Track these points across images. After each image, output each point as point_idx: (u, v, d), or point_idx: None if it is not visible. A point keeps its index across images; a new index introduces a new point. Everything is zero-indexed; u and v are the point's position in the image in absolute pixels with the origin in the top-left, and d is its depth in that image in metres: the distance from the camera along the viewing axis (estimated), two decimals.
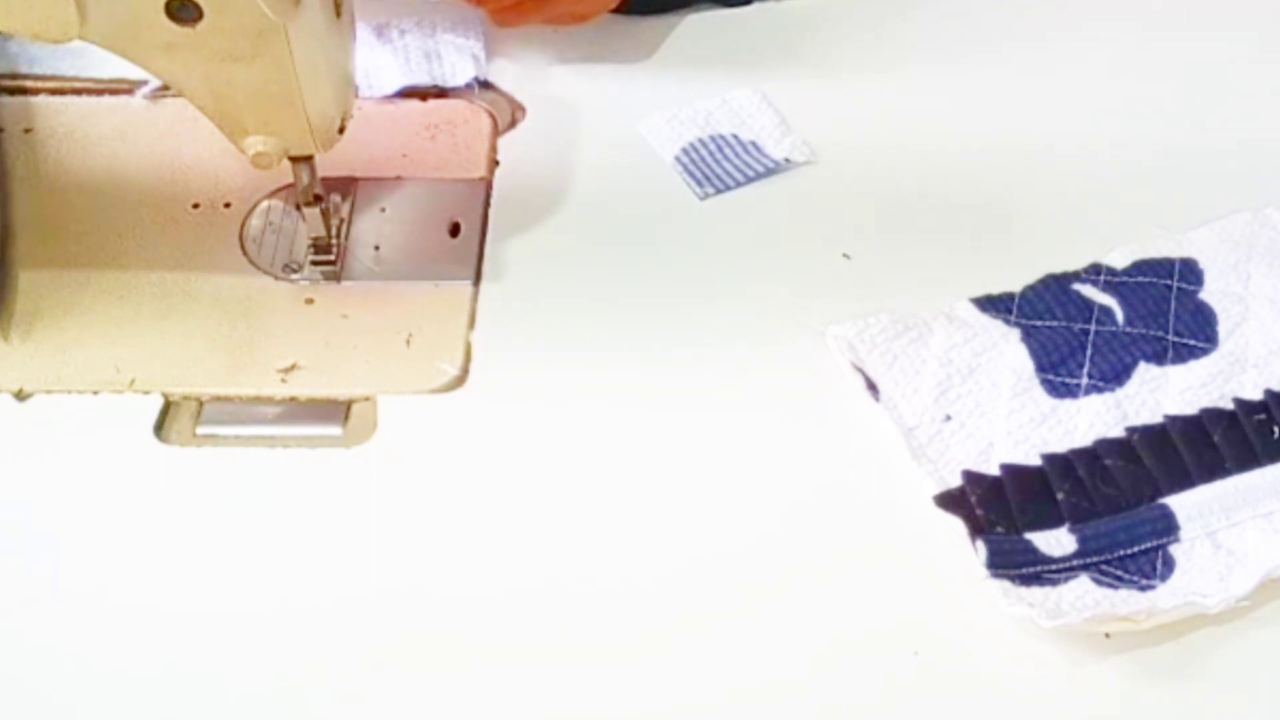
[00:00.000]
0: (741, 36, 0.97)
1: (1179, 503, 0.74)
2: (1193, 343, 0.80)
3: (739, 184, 0.89)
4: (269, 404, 0.81)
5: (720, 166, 0.90)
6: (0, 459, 0.79)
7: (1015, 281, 0.83)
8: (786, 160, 0.90)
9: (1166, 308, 0.81)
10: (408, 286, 0.86)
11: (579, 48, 0.96)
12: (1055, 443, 0.77)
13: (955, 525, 0.74)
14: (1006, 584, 0.71)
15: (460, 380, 0.82)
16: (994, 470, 0.76)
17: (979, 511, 0.74)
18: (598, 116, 0.93)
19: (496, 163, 0.92)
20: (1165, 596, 0.71)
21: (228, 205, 0.90)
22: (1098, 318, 0.81)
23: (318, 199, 0.84)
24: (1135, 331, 0.80)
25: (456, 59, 0.96)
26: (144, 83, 0.94)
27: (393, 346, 0.83)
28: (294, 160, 0.82)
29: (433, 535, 0.75)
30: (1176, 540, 0.73)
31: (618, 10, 0.95)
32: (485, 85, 0.95)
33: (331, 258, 0.86)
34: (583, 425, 0.79)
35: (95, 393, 0.81)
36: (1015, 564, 0.72)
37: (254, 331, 0.84)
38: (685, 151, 0.91)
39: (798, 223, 0.88)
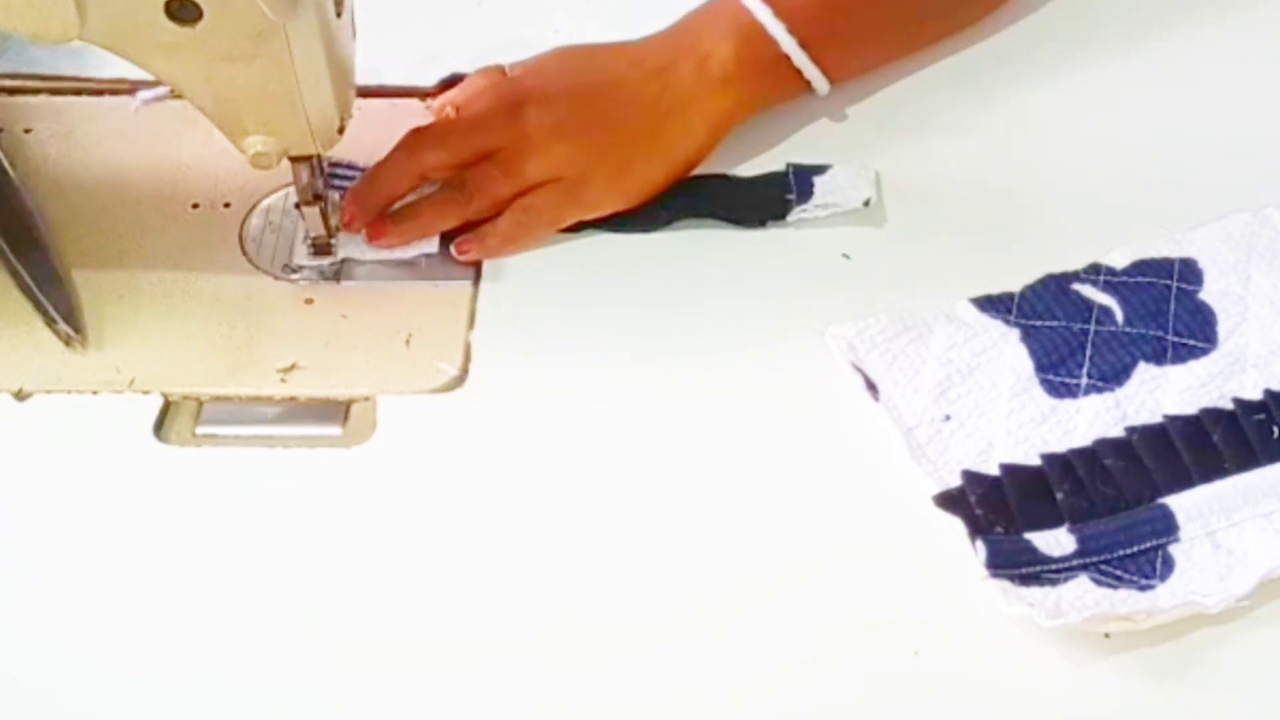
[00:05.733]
0: None
1: (1179, 503, 0.74)
2: (1192, 343, 0.80)
3: None
4: (269, 404, 0.81)
5: None
6: (0, 459, 0.79)
7: (1015, 281, 0.83)
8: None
9: (1166, 308, 0.81)
10: (408, 286, 0.86)
11: None
12: (1055, 443, 0.77)
13: (955, 525, 0.74)
14: (1006, 584, 0.71)
15: (460, 380, 0.82)
16: (994, 470, 0.76)
17: (978, 511, 0.74)
18: None
19: None
20: (1165, 596, 0.71)
21: (228, 205, 0.90)
22: (1097, 318, 0.81)
23: (317, 198, 0.84)
24: (1135, 331, 0.80)
25: None
26: (144, 84, 0.93)
27: (393, 346, 0.83)
28: (294, 160, 0.82)
29: (432, 535, 0.75)
30: (1176, 540, 0.73)
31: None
32: None
33: (331, 257, 0.86)
34: (582, 425, 0.79)
35: (95, 393, 0.81)
36: (1015, 564, 0.72)
37: (254, 331, 0.84)
38: None
39: (797, 223, 0.88)
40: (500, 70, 0.91)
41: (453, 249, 0.86)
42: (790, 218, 0.87)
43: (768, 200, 0.88)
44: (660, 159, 0.88)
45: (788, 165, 0.89)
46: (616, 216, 0.88)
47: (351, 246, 0.86)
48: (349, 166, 0.89)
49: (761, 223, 0.88)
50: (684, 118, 0.88)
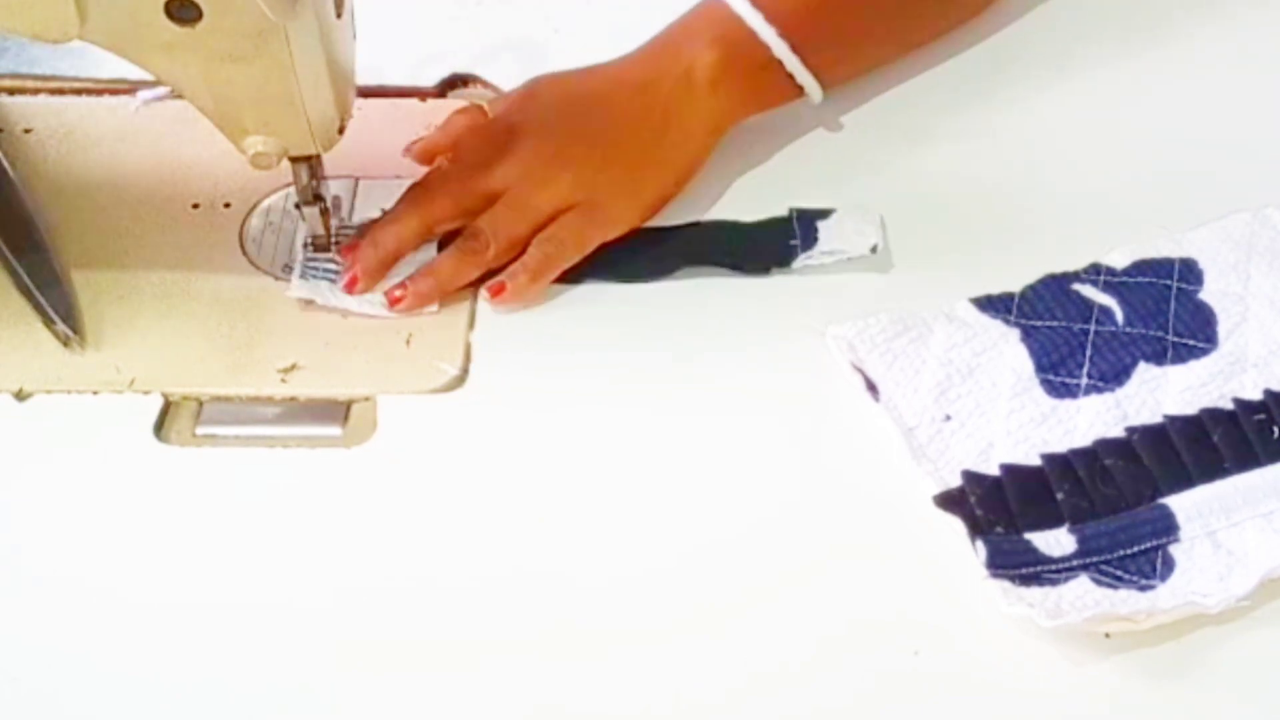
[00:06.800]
0: None
1: (1179, 503, 0.74)
2: (1192, 343, 0.80)
3: None
4: (269, 404, 0.81)
5: None
6: (0, 459, 0.79)
7: (1015, 281, 0.83)
8: None
9: (1166, 308, 0.81)
10: None
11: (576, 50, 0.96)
12: (1055, 443, 0.77)
13: (955, 525, 0.74)
14: (1006, 584, 0.71)
15: (460, 380, 0.82)
16: (994, 470, 0.76)
17: (979, 511, 0.74)
18: None
19: None
20: (1165, 596, 0.71)
21: (228, 205, 0.90)
22: (1097, 318, 0.81)
23: (317, 198, 0.84)
24: (1135, 331, 0.80)
25: None
26: (144, 84, 0.93)
27: (393, 346, 0.83)
28: (294, 160, 0.82)
29: (432, 535, 0.75)
30: (1176, 540, 0.73)
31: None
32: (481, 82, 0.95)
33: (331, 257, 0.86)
34: (582, 425, 0.79)
35: (95, 393, 0.81)
36: (1015, 564, 0.72)
37: (254, 331, 0.84)
38: None
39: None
40: (479, 109, 0.90)
41: (484, 293, 0.84)
42: (795, 265, 0.85)
43: (772, 248, 0.86)
44: (666, 168, 0.87)
45: (791, 210, 0.87)
46: (625, 266, 0.85)
47: (353, 302, 0.84)
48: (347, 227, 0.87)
49: (766, 270, 0.86)
50: (679, 127, 0.87)
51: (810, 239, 0.86)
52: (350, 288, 0.84)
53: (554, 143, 0.86)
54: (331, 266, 0.85)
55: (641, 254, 0.86)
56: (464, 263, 0.84)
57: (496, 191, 0.85)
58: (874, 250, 0.85)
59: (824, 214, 0.87)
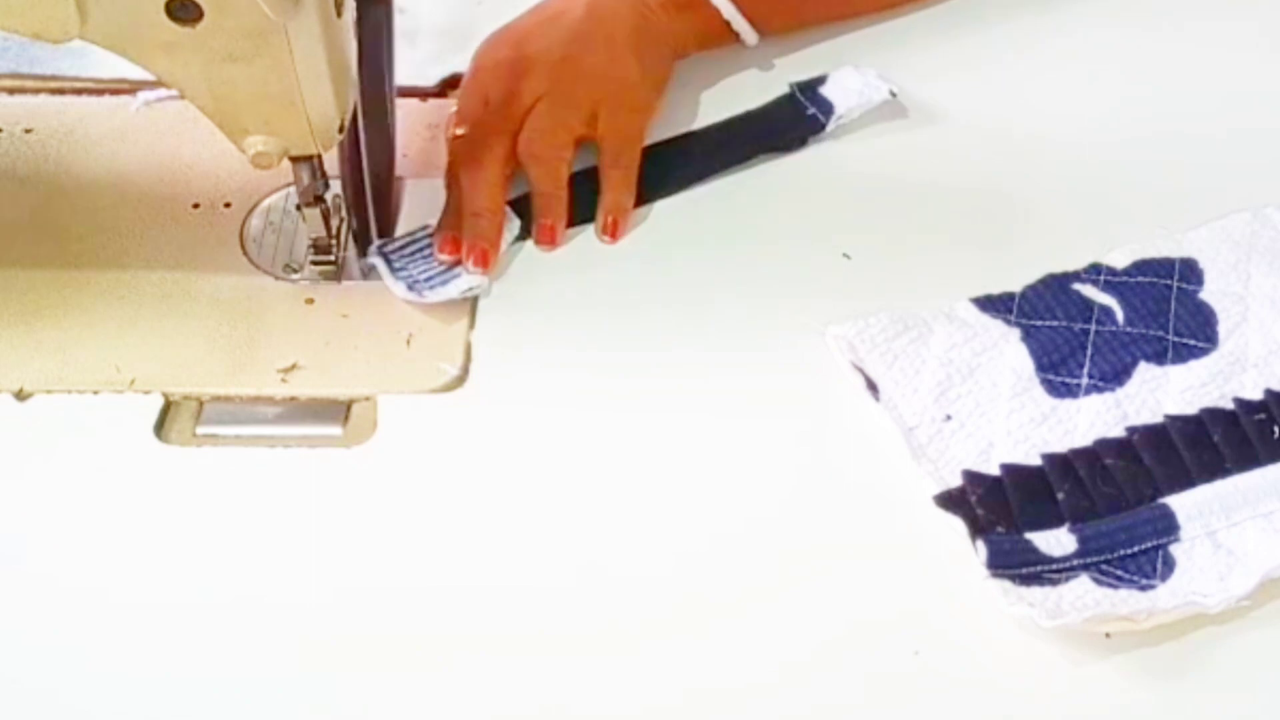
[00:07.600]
0: None
1: (1179, 502, 0.74)
2: (1193, 342, 0.80)
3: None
4: (269, 404, 0.81)
5: None
6: (0, 459, 0.79)
7: (1015, 281, 0.83)
8: None
9: (1166, 307, 0.81)
10: None
11: None
12: (1055, 442, 0.77)
13: (955, 525, 0.74)
14: (1006, 584, 0.71)
15: (460, 380, 0.82)
16: (994, 470, 0.76)
17: (979, 511, 0.74)
18: None
19: None
20: (1165, 596, 0.71)
21: (228, 205, 0.90)
22: (1098, 318, 0.81)
23: (318, 199, 0.84)
24: (1135, 331, 0.80)
25: None
26: (144, 84, 0.93)
27: (393, 346, 0.83)
28: (294, 160, 0.82)
29: (432, 535, 0.75)
30: (1177, 540, 0.73)
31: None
32: None
33: (331, 258, 0.86)
34: (582, 425, 0.79)
35: (95, 393, 0.81)
36: (1015, 564, 0.72)
37: (254, 331, 0.84)
38: None
39: (798, 222, 0.88)
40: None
41: (604, 237, 0.87)
42: (830, 129, 0.90)
43: (795, 123, 0.91)
44: (663, 43, 0.93)
45: (791, 85, 0.93)
46: (662, 181, 0.89)
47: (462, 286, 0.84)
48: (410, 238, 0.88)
49: (803, 142, 0.91)
50: (658, 30, 0.92)
51: (825, 105, 0.91)
52: (484, 263, 0.85)
53: (559, 52, 0.90)
54: (418, 263, 0.86)
55: (673, 166, 0.90)
56: (552, 163, 0.88)
57: (530, 107, 0.89)
58: (893, 95, 0.91)
59: (821, 80, 0.92)
